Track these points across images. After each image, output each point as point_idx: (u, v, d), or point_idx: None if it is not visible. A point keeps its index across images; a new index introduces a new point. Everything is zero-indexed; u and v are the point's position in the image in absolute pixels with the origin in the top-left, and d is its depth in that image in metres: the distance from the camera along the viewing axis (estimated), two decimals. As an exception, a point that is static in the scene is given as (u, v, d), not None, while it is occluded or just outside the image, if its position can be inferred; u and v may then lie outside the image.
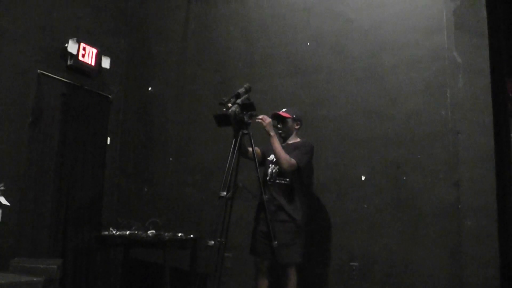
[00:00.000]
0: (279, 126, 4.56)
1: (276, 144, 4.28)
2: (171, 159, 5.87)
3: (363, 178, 4.81)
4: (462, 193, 4.42)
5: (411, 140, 4.68)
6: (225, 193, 3.96)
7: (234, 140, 4.14)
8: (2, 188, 4.68)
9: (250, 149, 4.28)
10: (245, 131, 4.16)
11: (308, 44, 5.27)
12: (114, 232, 5.03)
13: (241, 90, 4.19)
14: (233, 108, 4.03)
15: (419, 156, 4.63)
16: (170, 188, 5.80)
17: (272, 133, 4.28)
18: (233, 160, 4.06)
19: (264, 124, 4.26)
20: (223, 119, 4.00)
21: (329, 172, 4.95)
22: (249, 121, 4.16)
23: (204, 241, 4.04)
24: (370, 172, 4.81)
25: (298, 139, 4.58)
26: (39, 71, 5.15)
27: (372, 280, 4.66)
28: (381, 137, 4.80)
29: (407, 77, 4.78)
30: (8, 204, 4.63)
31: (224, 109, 4.01)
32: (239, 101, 4.10)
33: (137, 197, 5.98)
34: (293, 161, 4.29)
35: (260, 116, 4.25)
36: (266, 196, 4.13)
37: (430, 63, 4.69)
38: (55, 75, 5.31)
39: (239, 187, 4.21)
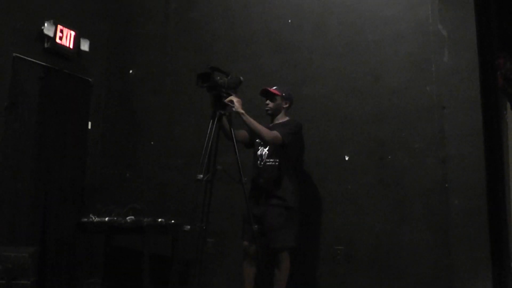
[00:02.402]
0: (267, 102, 4.43)
1: (250, 119, 4.12)
2: (152, 143, 5.73)
3: (346, 158, 4.66)
4: (450, 170, 4.29)
5: (395, 117, 4.54)
6: (201, 176, 3.82)
7: (211, 120, 4.01)
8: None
9: (235, 130, 4.17)
10: (223, 112, 4.05)
11: (290, 21, 5.13)
12: (94, 218, 4.90)
13: (234, 75, 4.14)
14: (221, 80, 4.03)
15: (404, 134, 4.49)
16: (152, 172, 5.67)
17: (241, 111, 4.08)
18: (210, 142, 3.92)
19: (234, 103, 4.07)
20: (203, 77, 3.96)
21: (312, 153, 4.80)
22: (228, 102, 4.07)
23: (184, 226, 3.91)
24: (354, 152, 4.67)
25: (287, 118, 4.45)
26: (14, 54, 5.00)
27: (358, 264, 4.54)
28: (365, 115, 4.67)
29: (390, 52, 4.64)
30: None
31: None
32: (227, 78, 4.08)
33: (119, 183, 5.85)
34: (275, 133, 4.17)
35: (229, 97, 4.07)
36: (245, 179, 4.00)
37: (414, 37, 4.55)
38: (31, 58, 5.17)
39: (218, 170, 4.08)
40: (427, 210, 4.32)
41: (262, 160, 4.33)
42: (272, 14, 5.26)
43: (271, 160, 4.29)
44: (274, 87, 4.43)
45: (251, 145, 4.48)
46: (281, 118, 4.44)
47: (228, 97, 4.07)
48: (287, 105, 4.46)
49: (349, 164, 4.66)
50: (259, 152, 4.38)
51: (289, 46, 5.10)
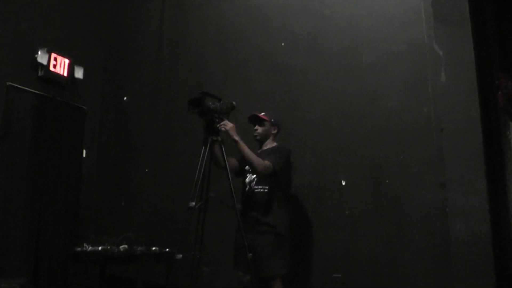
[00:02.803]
0: (255, 128, 4.33)
1: (244, 148, 4.01)
2: (147, 170, 5.66)
3: (343, 183, 4.53)
4: (450, 194, 4.06)
5: (392, 140, 4.41)
6: (193, 203, 3.73)
7: (203, 147, 3.93)
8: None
9: (231, 159, 4.10)
10: (215, 138, 3.95)
11: (283, 44, 5.07)
12: (87, 248, 4.83)
13: (226, 101, 4.05)
14: (213, 105, 3.94)
15: (401, 157, 4.35)
16: (147, 200, 5.60)
17: (237, 138, 3.99)
18: (202, 168, 3.83)
19: (227, 128, 3.98)
20: (194, 102, 3.89)
21: (307, 178, 4.68)
22: (221, 128, 3.98)
23: (175, 255, 3.78)
24: (351, 176, 4.54)
25: (275, 144, 4.33)
26: (8, 83, 5.01)
27: (357, 292, 4.35)
28: (361, 138, 4.54)
29: (386, 73, 4.53)
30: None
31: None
32: (219, 103, 4.01)
33: (114, 211, 5.77)
34: (267, 162, 4.04)
35: (223, 122, 3.98)
36: (239, 206, 3.89)
37: (409, 58, 4.44)
38: (25, 86, 5.16)
39: (211, 197, 3.97)
40: (427, 236, 4.15)
41: (250, 188, 4.21)
42: (265, 37, 5.22)
43: (259, 187, 4.16)
44: (262, 113, 4.34)
45: (241, 174, 4.37)
46: (270, 144, 4.33)
47: (220, 122, 3.99)
48: (275, 131, 4.36)
49: (346, 189, 4.52)
50: (247, 179, 4.26)
51: (283, 69, 5.04)
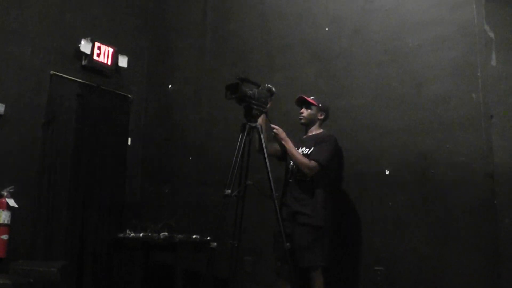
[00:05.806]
0: (301, 111, 4.24)
1: (293, 151, 4.03)
2: (190, 158, 5.66)
3: (387, 172, 4.35)
4: (498, 186, 3.87)
5: (439, 128, 4.17)
6: (229, 191, 3.67)
7: (241, 133, 3.88)
8: (11, 190, 4.65)
9: (273, 145, 4.14)
10: (253, 124, 3.90)
11: (327, 29, 4.90)
12: (129, 234, 4.90)
13: (264, 87, 4.04)
14: (251, 91, 3.89)
15: (448, 146, 4.10)
16: (190, 188, 5.60)
17: (290, 144, 4.06)
18: (239, 155, 3.78)
19: (281, 136, 4.08)
20: (232, 88, 3.82)
21: (350, 167, 4.52)
22: (258, 113, 3.94)
23: (210, 243, 3.78)
24: (395, 166, 4.33)
25: (321, 130, 4.23)
26: (51, 72, 5.11)
27: (400, 286, 4.17)
28: (406, 126, 4.32)
29: (433, 58, 4.28)
30: (16, 206, 4.60)
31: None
32: (258, 89, 3.97)
33: (158, 198, 5.83)
34: (313, 163, 3.96)
35: (275, 129, 4.07)
36: (277, 194, 3.80)
37: (458, 41, 4.17)
38: (69, 75, 5.26)
39: (249, 185, 3.91)
40: (474, 229, 3.91)
41: (293, 174, 4.11)
42: (309, 23, 5.07)
43: (301, 175, 4.05)
44: (311, 97, 4.22)
45: (284, 158, 4.28)
46: (315, 130, 4.22)
47: (259, 108, 3.94)
48: (322, 117, 4.24)
49: (390, 179, 4.33)
50: (290, 166, 4.17)
51: (326, 55, 4.89)
